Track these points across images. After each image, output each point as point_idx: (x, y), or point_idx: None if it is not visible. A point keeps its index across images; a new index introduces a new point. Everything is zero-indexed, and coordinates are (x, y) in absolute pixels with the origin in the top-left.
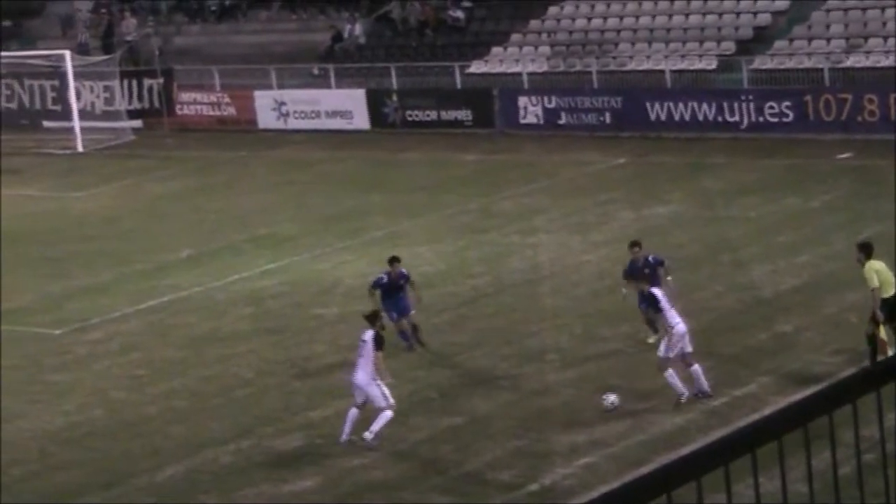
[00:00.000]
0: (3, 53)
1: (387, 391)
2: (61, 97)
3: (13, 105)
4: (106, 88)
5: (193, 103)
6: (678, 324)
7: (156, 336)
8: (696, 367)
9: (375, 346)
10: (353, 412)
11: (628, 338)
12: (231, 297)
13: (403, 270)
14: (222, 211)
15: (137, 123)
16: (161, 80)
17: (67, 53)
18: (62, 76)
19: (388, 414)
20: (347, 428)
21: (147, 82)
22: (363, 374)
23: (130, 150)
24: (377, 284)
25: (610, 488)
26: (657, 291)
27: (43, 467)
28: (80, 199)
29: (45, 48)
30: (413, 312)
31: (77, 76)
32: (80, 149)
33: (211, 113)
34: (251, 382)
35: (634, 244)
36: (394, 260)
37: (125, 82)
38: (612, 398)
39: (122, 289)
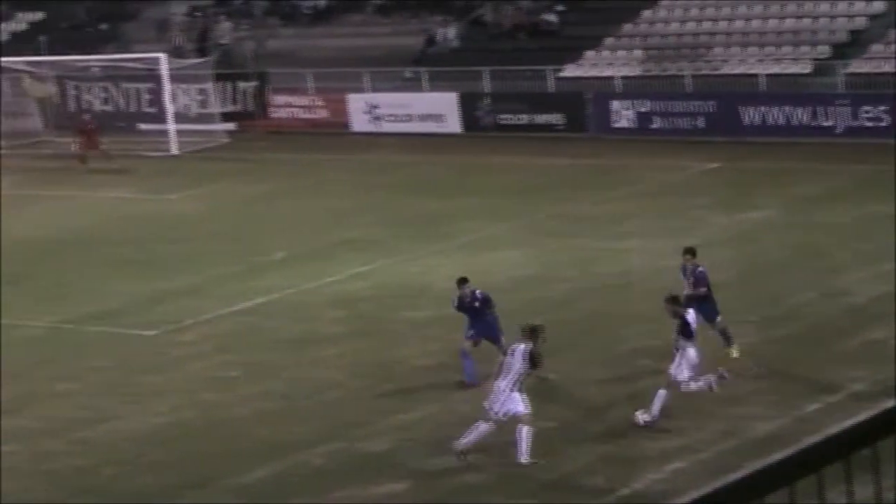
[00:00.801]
0: (100, 57)
1: (526, 399)
2: (156, 100)
3: (109, 108)
4: (200, 91)
5: (286, 106)
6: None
7: (247, 338)
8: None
9: (527, 363)
10: (483, 427)
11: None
12: (322, 300)
13: (478, 292)
14: (314, 214)
15: (231, 126)
16: (255, 84)
17: (163, 57)
18: (157, 79)
19: (528, 430)
20: (471, 438)
21: (241, 85)
22: (505, 383)
23: (224, 152)
24: (454, 307)
25: (701, 494)
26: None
27: (135, 468)
28: (173, 201)
29: (141, 52)
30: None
31: (172, 79)
32: (174, 151)
33: (304, 116)
34: (341, 385)
35: (688, 251)
36: (461, 282)
37: (219, 85)
38: (643, 416)
39: (215, 291)
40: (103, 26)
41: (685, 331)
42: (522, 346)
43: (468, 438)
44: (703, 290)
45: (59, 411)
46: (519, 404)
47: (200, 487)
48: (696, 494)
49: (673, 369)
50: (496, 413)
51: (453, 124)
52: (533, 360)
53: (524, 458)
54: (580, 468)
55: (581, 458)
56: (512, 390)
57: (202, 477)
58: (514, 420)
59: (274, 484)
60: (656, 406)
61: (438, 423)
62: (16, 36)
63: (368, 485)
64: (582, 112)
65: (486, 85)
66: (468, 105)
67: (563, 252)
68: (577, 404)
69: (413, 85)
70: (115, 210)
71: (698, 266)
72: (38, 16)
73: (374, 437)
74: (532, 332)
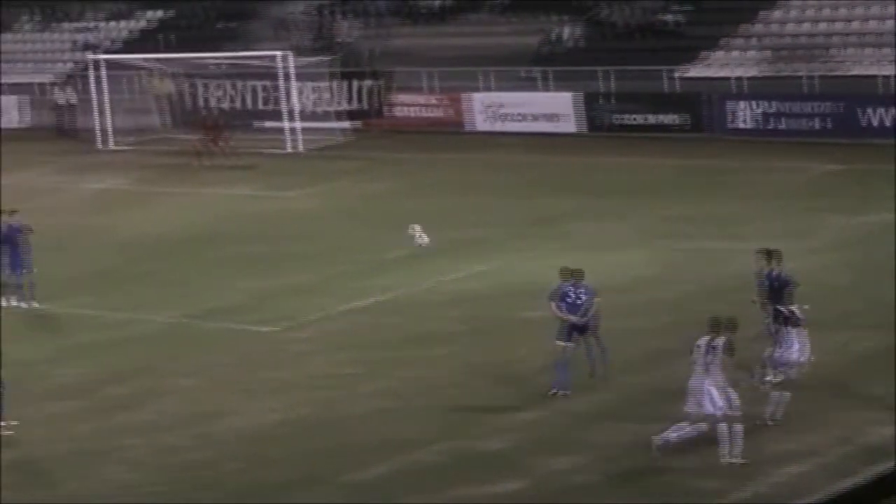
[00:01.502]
0: (220, 55)
1: (734, 396)
2: (276, 98)
3: (229, 106)
4: (319, 90)
5: (405, 105)
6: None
7: (365, 336)
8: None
9: (728, 353)
10: (693, 428)
11: (843, 346)
12: (440, 299)
13: (582, 288)
14: (432, 213)
15: (350, 125)
16: (374, 82)
17: (282, 55)
18: (277, 78)
19: (739, 427)
20: (677, 435)
21: (360, 84)
22: (711, 380)
23: (343, 151)
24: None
25: (820, 498)
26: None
27: (252, 463)
28: (292, 198)
29: (262, 50)
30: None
31: (293, 77)
32: (293, 149)
33: (422, 115)
34: (458, 384)
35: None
36: (571, 274)
37: (339, 84)
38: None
39: (333, 288)
40: (225, 24)
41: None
42: (721, 339)
43: (675, 435)
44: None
45: (180, 406)
46: (727, 400)
47: (315, 484)
48: (815, 498)
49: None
50: (711, 410)
51: (570, 124)
52: (732, 350)
53: (732, 457)
54: (696, 469)
55: (697, 460)
56: (718, 386)
57: (317, 473)
58: (725, 418)
59: (388, 482)
60: (773, 409)
61: (553, 423)
62: (140, 34)
63: (483, 484)
64: (700, 112)
65: (604, 85)
66: (585, 105)
67: (681, 253)
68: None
69: (530, 84)
70: (235, 207)
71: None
72: (162, 14)
73: (490, 437)
74: (729, 325)
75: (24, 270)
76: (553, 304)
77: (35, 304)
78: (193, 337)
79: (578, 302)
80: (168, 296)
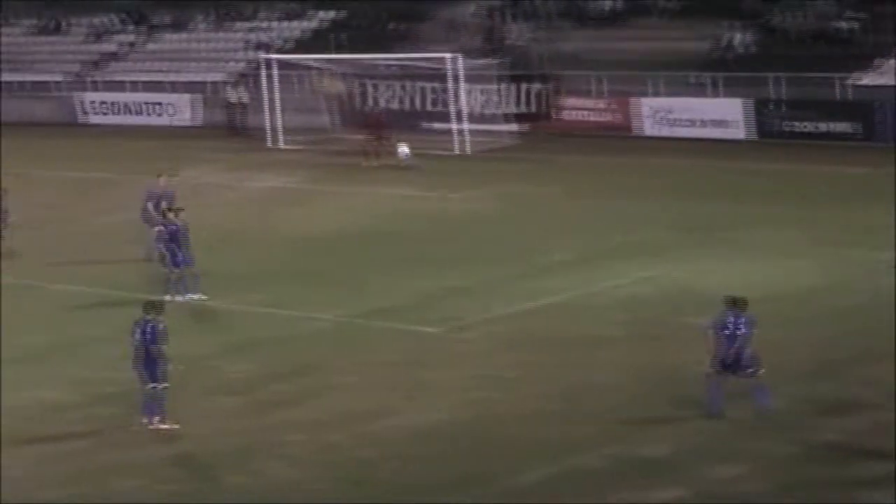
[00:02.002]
0: (390, 56)
1: None
2: (444, 100)
3: (399, 106)
4: (488, 92)
5: (574, 108)
6: None
7: (529, 338)
8: None
9: None
10: None
11: None
12: (605, 303)
13: (743, 319)
14: (599, 217)
15: (518, 127)
16: (543, 85)
17: (452, 57)
18: (446, 79)
19: None
20: None
21: (529, 87)
22: None
23: (510, 153)
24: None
25: None
26: None
27: (412, 463)
28: (457, 200)
29: (432, 51)
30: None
31: (462, 79)
32: (461, 151)
33: (591, 118)
34: (622, 388)
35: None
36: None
37: (508, 86)
38: None
39: (498, 290)
40: (396, 26)
41: None
42: None
43: None
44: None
45: (343, 404)
46: None
47: (475, 486)
48: None
49: None
50: None
51: (740, 130)
52: None
53: None
54: (866, 480)
55: (865, 471)
56: None
57: (477, 475)
58: None
59: (547, 485)
60: None
61: (718, 431)
62: (312, 34)
63: (644, 490)
64: (873, 121)
65: (775, 91)
66: (756, 111)
67: (850, 263)
68: (861, 419)
69: (700, 90)
70: (402, 207)
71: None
72: (334, 14)
73: (654, 443)
74: None
75: (187, 266)
76: (708, 333)
77: (203, 297)
78: (358, 336)
79: (738, 333)
80: (334, 294)
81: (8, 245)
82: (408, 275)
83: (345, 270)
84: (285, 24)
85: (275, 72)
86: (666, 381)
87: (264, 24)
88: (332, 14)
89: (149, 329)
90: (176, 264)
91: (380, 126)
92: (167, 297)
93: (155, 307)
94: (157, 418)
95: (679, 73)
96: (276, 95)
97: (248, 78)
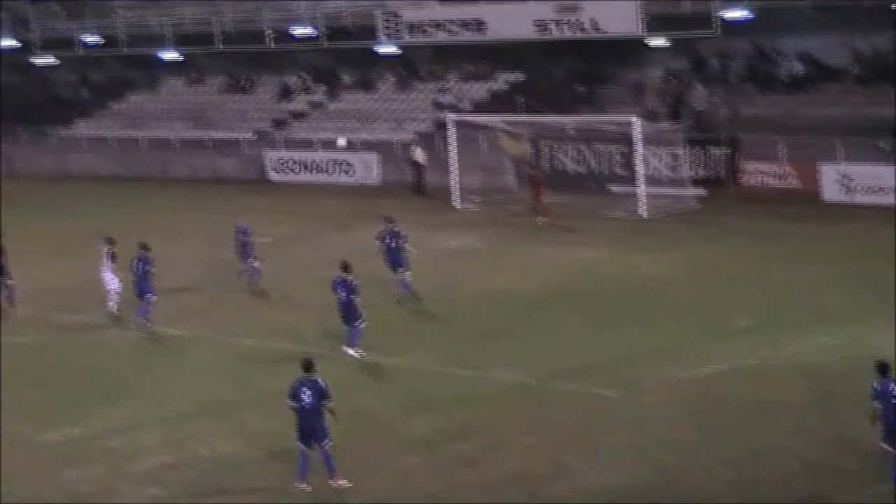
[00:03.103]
0: (575, 118)
1: None
2: (628, 162)
3: (581, 168)
4: (672, 155)
5: (757, 173)
6: None
7: (708, 403)
8: None
9: None
10: None
11: None
12: (786, 368)
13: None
14: (782, 282)
15: (701, 191)
16: (727, 150)
17: (636, 120)
18: (630, 142)
19: None
20: None
21: (713, 151)
22: None
23: (693, 216)
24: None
25: None
26: None
27: None
28: (641, 263)
29: (615, 114)
30: None
31: (644, 142)
32: (643, 214)
33: (774, 183)
34: (800, 456)
35: None
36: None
37: (691, 150)
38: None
39: (680, 353)
40: (580, 88)
41: None
42: None
43: None
44: None
45: (521, 465)
46: None
47: None
48: None
49: None
50: None
51: None
52: None
53: None
54: None
55: None
56: None
57: None
58: None
59: None
60: None
61: None
62: (494, 95)
63: None
64: None
65: None
66: None
67: None
68: None
69: (889, 156)
70: (583, 267)
71: None
72: (518, 76)
73: None
74: None
75: (358, 322)
76: (874, 404)
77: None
78: (537, 396)
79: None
80: (514, 354)
81: (183, 303)
82: (589, 336)
83: (526, 330)
84: (470, 85)
85: (457, 132)
86: (846, 450)
87: (449, 85)
88: (517, 76)
89: (312, 387)
90: (355, 319)
91: (538, 185)
92: (351, 352)
93: (312, 366)
94: (336, 476)
95: (866, 140)
96: (457, 155)
97: (433, 137)
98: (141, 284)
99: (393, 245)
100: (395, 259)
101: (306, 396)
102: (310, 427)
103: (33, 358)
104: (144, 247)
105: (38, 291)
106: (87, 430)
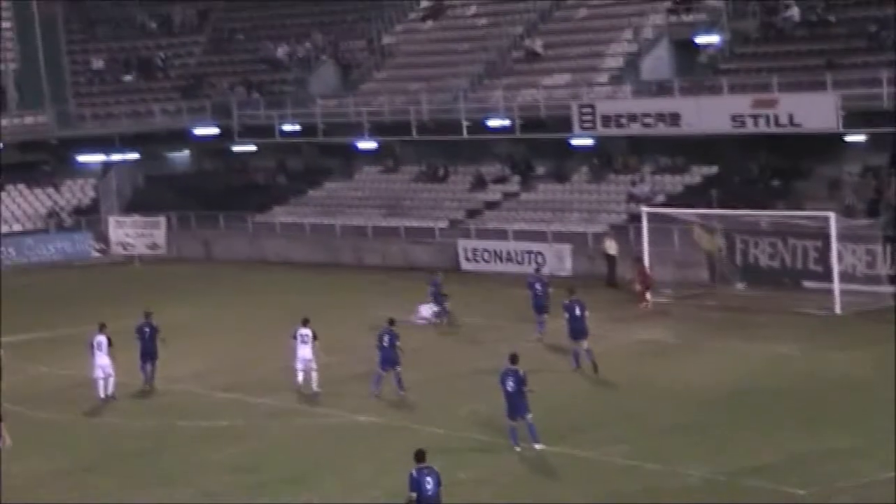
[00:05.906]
0: (770, 213)
1: None
2: (823, 258)
3: (775, 263)
4: (869, 252)
5: None
6: None
7: None
8: None
9: None
10: None
11: None
12: None
13: None
14: None
15: None
16: None
17: (832, 216)
18: (825, 237)
19: None
20: None
21: None
22: None
23: (890, 315)
24: None
25: None
26: None
27: None
28: (835, 360)
29: (811, 209)
30: None
31: (840, 238)
32: (837, 310)
33: None
34: None
35: None
36: None
37: (888, 247)
38: None
39: (871, 454)
40: (775, 182)
41: None
42: None
43: None
44: None
45: None
46: None
47: None
48: None
49: None
50: None
51: None
52: None
53: None
54: None
55: None
56: None
57: None
58: None
59: None
60: None
61: None
62: (688, 188)
63: None
64: None
65: None
66: None
67: None
68: None
69: None
70: (775, 363)
71: None
72: (712, 170)
73: None
74: None
75: (528, 415)
76: None
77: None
78: (725, 493)
79: None
80: (704, 450)
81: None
82: (781, 434)
83: (717, 426)
84: (666, 177)
85: (650, 224)
86: None
87: (644, 177)
88: (712, 169)
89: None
90: (525, 411)
91: (644, 275)
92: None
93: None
94: None
95: None
96: (648, 247)
97: (626, 229)
98: (384, 354)
99: (578, 314)
100: (577, 328)
101: (429, 485)
102: None
103: (233, 443)
104: (391, 322)
105: (229, 372)
106: None
